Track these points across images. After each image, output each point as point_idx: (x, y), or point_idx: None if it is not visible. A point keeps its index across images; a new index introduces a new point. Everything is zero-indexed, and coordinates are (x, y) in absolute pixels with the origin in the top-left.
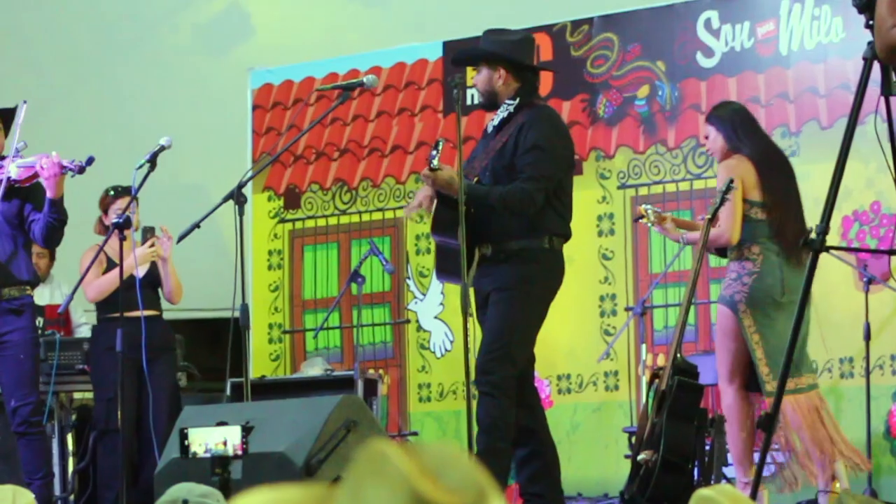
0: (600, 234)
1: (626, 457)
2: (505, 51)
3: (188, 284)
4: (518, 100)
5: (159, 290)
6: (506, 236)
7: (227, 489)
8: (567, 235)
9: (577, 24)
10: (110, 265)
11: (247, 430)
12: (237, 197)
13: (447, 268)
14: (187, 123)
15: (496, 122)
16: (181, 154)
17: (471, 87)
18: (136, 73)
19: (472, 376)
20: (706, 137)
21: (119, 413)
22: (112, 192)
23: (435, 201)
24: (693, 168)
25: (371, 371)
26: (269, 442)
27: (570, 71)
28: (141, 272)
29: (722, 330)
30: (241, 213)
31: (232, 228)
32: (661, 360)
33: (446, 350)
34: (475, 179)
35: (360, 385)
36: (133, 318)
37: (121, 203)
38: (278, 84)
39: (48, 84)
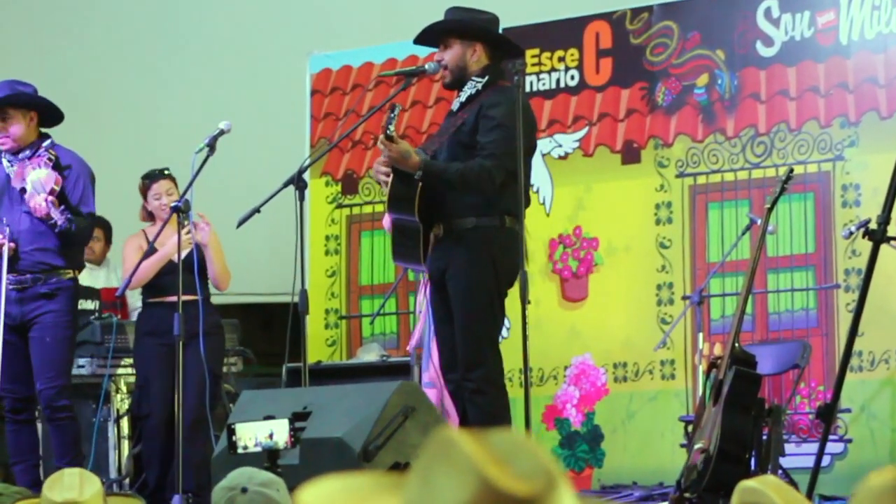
0: (658, 222)
1: (682, 446)
2: (483, 28)
3: (246, 269)
4: (487, 78)
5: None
6: (458, 215)
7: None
8: (521, 217)
9: (636, 11)
10: (151, 251)
11: (300, 419)
12: (297, 182)
13: (405, 250)
14: (246, 108)
15: (463, 98)
16: (240, 138)
17: (528, 72)
18: (195, 57)
19: (529, 362)
20: None
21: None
22: (146, 179)
23: (391, 176)
24: (751, 157)
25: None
26: (327, 427)
27: (629, 59)
28: (180, 257)
29: None
30: (301, 199)
31: (289, 213)
32: (717, 350)
33: (503, 337)
34: (430, 155)
35: (416, 371)
36: (172, 303)
37: (157, 187)
38: (337, 69)
39: (103, 68)
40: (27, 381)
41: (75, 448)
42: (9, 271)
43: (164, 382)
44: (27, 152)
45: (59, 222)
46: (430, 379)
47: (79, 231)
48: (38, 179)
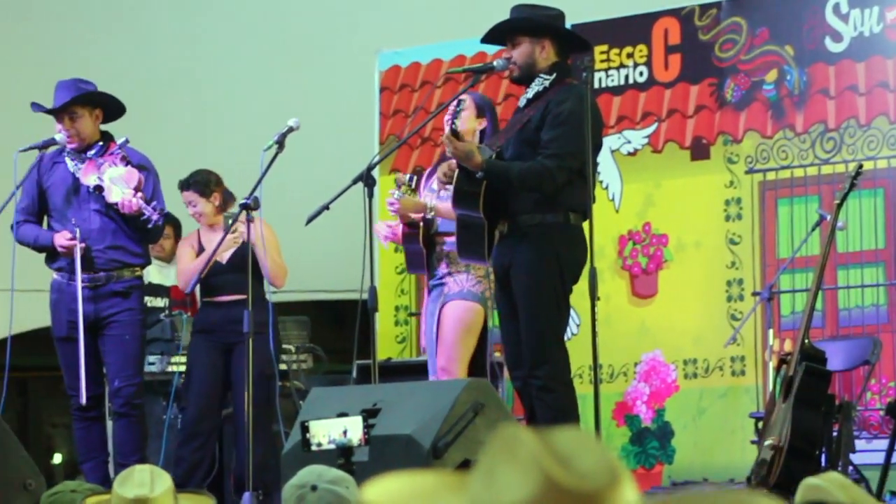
0: (728, 218)
1: (753, 442)
2: (552, 24)
3: (316, 266)
4: (554, 75)
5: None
6: (523, 211)
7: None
8: (587, 214)
9: (705, 7)
10: (201, 252)
11: (370, 416)
12: (366, 179)
13: (469, 246)
14: (315, 105)
15: (530, 94)
16: (309, 136)
17: (597, 69)
18: (265, 54)
19: (599, 359)
20: None
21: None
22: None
23: (456, 172)
24: (821, 153)
25: (497, 354)
26: (397, 424)
27: (698, 55)
28: (225, 257)
29: None
30: (371, 196)
31: (358, 210)
32: (787, 346)
33: (572, 334)
34: (496, 153)
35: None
36: (220, 303)
37: (187, 195)
38: (406, 66)
39: (171, 66)
40: (97, 380)
41: (144, 447)
42: (81, 270)
43: (209, 380)
44: (93, 150)
45: (154, 217)
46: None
47: (159, 231)
48: (118, 176)
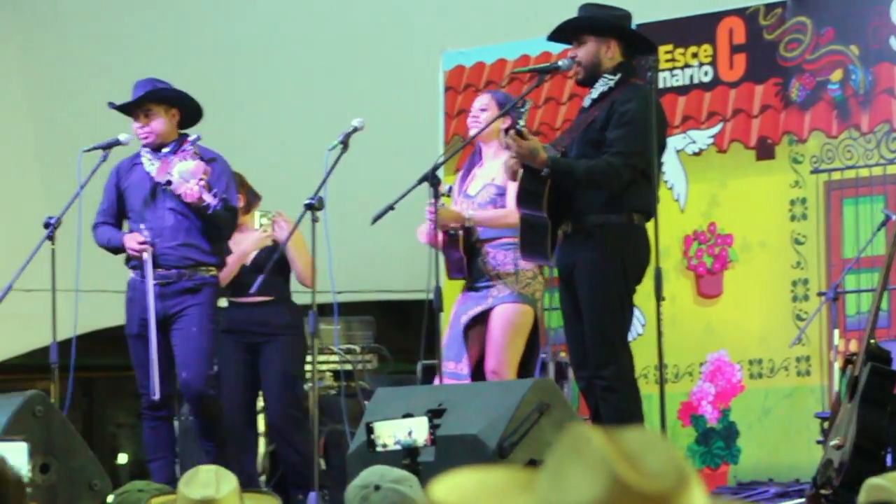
0: (793, 218)
1: (818, 442)
2: (618, 24)
3: (381, 267)
4: (619, 75)
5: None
6: (587, 212)
7: (417, 479)
8: (650, 214)
9: (770, 7)
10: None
11: (436, 416)
12: (431, 179)
13: (533, 246)
14: (380, 105)
15: (595, 95)
16: (373, 135)
17: (661, 68)
18: (327, 53)
19: (665, 359)
20: None
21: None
22: None
23: (521, 171)
24: (886, 153)
25: (562, 354)
26: (462, 425)
27: (762, 54)
28: (249, 258)
29: None
30: (437, 196)
31: (424, 210)
32: (853, 346)
33: (638, 334)
34: (561, 153)
35: (551, 368)
36: (243, 303)
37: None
38: (470, 66)
39: (234, 66)
40: (168, 379)
41: (221, 434)
42: (154, 267)
43: (238, 380)
44: (168, 149)
45: (212, 203)
46: (454, 370)
47: (224, 221)
48: (186, 169)
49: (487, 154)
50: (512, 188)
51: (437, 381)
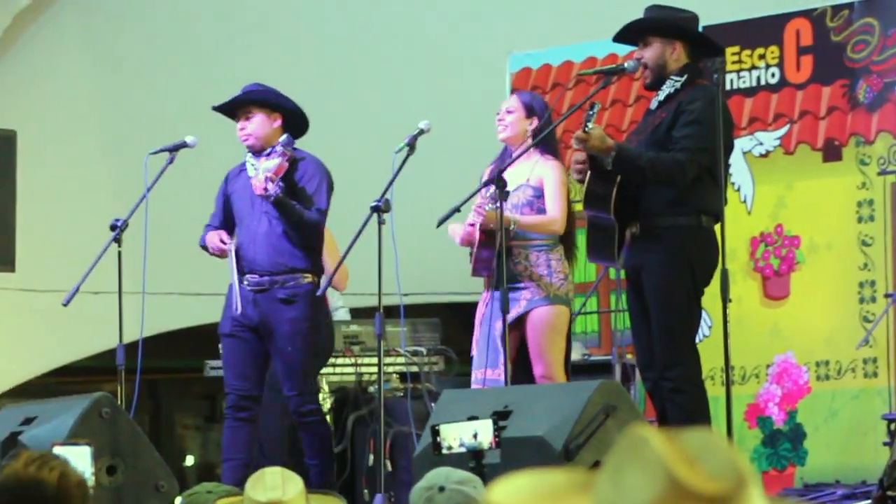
0: (860, 220)
1: (885, 444)
2: (684, 26)
3: (447, 269)
4: (685, 77)
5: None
6: (654, 213)
7: (483, 481)
8: (718, 216)
9: (837, 8)
10: None
11: (501, 418)
12: (497, 181)
13: (599, 248)
14: (446, 107)
15: (661, 97)
16: (439, 138)
17: (728, 70)
18: (395, 56)
19: (731, 361)
20: None
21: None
22: None
23: (588, 173)
24: None
25: (629, 356)
26: (528, 426)
27: (830, 56)
28: None
29: None
30: (504, 199)
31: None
32: None
33: (704, 336)
34: None
35: (617, 370)
36: None
37: None
38: (537, 68)
39: (300, 67)
40: (256, 381)
41: (325, 451)
42: (247, 271)
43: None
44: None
45: (271, 191)
46: (491, 377)
47: (307, 220)
48: (266, 167)
49: (516, 154)
50: (551, 192)
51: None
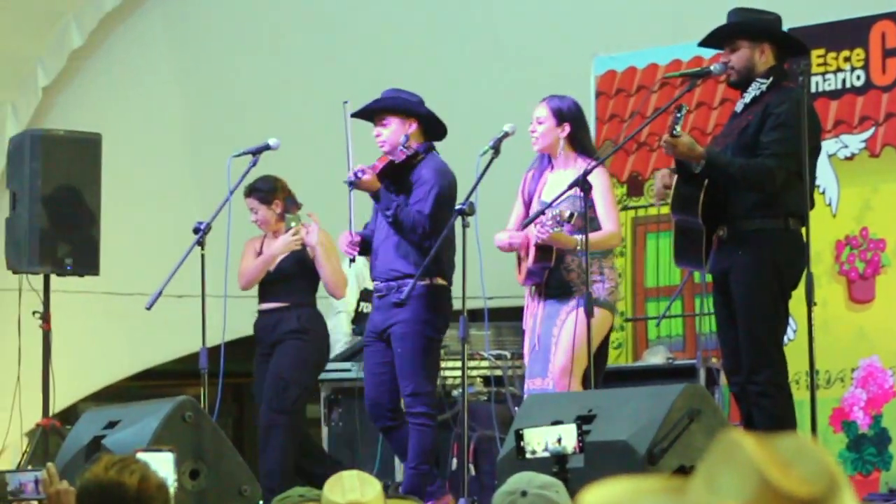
0: None
1: None
2: (771, 28)
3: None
4: (771, 79)
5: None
6: (742, 216)
7: (566, 485)
8: (805, 219)
9: None
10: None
11: (585, 422)
12: (582, 184)
13: (687, 252)
14: (530, 110)
15: (747, 100)
16: (524, 140)
17: (813, 73)
18: (479, 60)
19: (816, 365)
20: None
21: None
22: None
23: (675, 177)
24: None
25: (714, 360)
26: (612, 430)
27: None
28: (274, 265)
29: None
30: (587, 202)
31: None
32: None
33: (789, 339)
34: None
35: (702, 374)
36: (262, 310)
37: (249, 202)
38: (622, 71)
39: (384, 69)
40: (386, 389)
41: (421, 456)
42: (374, 279)
43: (261, 390)
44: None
45: (348, 178)
46: (540, 386)
47: (401, 217)
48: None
49: (557, 162)
50: (603, 203)
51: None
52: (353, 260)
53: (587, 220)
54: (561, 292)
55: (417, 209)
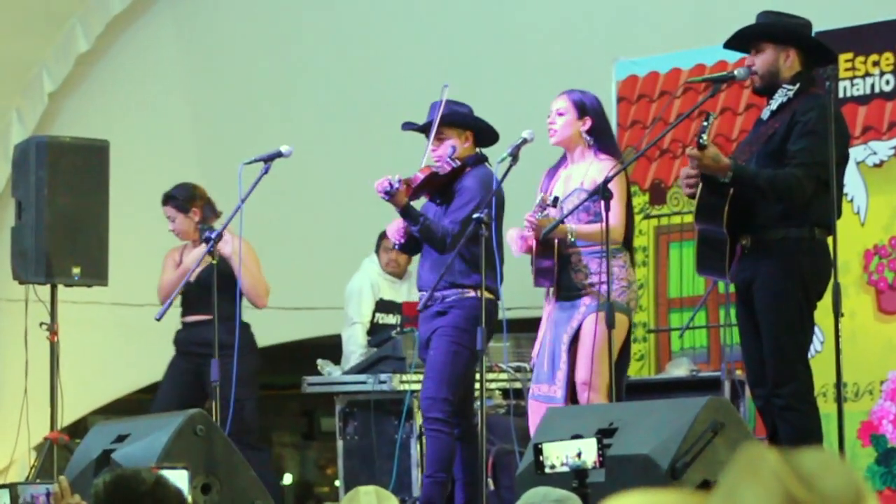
0: None
1: None
2: (798, 32)
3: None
4: (798, 85)
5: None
6: (766, 226)
7: (586, 500)
8: (831, 228)
9: None
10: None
11: (606, 436)
12: (603, 192)
13: (710, 261)
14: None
15: (773, 107)
16: (543, 147)
17: (841, 77)
18: (497, 63)
19: (844, 377)
20: None
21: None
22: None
23: (700, 185)
24: None
25: (738, 372)
26: (634, 444)
27: None
28: (192, 276)
29: None
30: (608, 210)
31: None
32: None
33: (816, 351)
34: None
35: (726, 386)
36: (185, 323)
37: (166, 210)
38: (643, 75)
39: (401, 75)
40: (442, 397)
41: (437, 463)
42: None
43: (171, 397)
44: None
45: (379, 188)
46: (546, 393)
47: (433, 232)
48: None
49: (572, 157)
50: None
51: (530, 407)
52: (396, 246)
53: (608, 230)
54: (569, 294)
55: (452, 219)
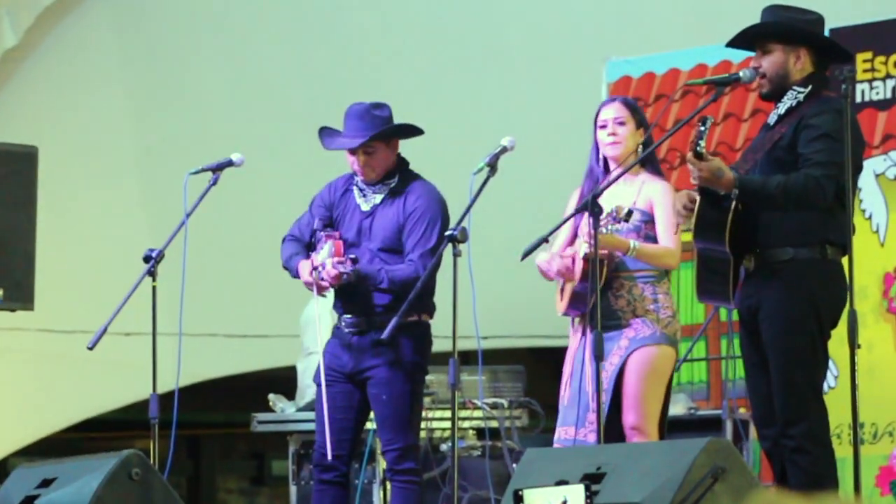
0: None
1: None
2: (810, 31)
3: (532, 309)
4: (809, 88)
5: None
6: (773, 245)
7: None
8: (845, 248)
9: None
10: None
11: (593, 482)
12: (591, 207)
13: (711, 285)
14: (534, 122)
15: (781, 111)
16: (526, 156)
17: (858, 80)
18: (482, 65)
19: (860, 416)
20: None
21: None
22: None
23: (698, 199)
24: None
25: (742, 410)
26: (624, 491)
27: None
28: None
29: None
30: (596, 226)
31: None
32: None
33: (830, 387)
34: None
35: (728, 426)
36: None
37: None
38: (638, 77)
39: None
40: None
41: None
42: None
43: None
44: (392, 181)
45: (347, 274)
46: (575, 437)
47: (399, 280)
48: (322, 259)
49: (618, 174)
50: (663, 220)
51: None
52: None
53: (594, 246)
54: (607, 323)
55: (420, 252)
